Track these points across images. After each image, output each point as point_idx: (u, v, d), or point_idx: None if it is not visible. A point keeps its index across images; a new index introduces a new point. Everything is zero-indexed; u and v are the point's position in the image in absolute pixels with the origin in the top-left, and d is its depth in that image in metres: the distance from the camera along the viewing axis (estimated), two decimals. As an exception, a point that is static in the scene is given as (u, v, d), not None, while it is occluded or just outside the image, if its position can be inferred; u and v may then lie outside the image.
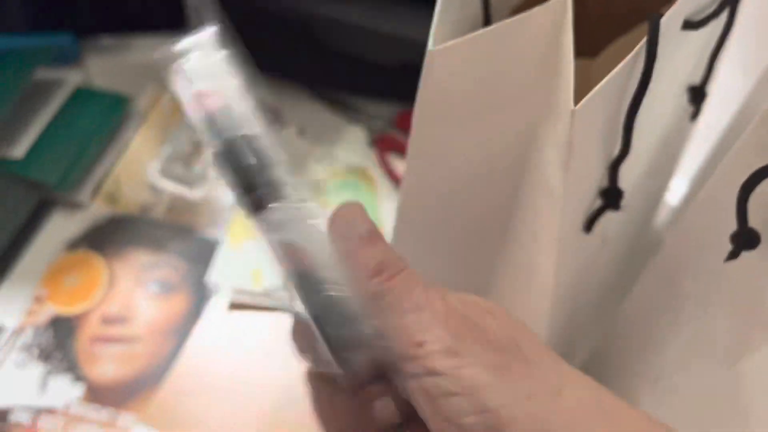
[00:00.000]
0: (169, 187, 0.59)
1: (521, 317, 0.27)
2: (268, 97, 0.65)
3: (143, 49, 0.71)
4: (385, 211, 0.60)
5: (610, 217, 0.32)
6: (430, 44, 0.28)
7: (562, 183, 0.27)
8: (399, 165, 0.63)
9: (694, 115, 0.38)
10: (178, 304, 0.54)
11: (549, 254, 0.31)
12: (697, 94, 0.36)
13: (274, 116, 0.65)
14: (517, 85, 0.27)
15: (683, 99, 0.36)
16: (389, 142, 0.64)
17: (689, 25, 0.29)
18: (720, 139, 0.45)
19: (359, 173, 0.62)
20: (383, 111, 0.66)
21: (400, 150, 0.64)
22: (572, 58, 0.24)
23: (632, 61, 0.26)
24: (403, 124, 0.65)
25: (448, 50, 0.27)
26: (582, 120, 0.25)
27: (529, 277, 0.34)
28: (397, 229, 0.42)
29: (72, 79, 0.64)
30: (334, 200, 0.58)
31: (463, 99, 0.29)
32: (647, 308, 0.41)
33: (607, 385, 0.26)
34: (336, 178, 0.61)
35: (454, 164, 0.33)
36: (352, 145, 0.64)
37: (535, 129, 0.27)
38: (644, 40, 0.26)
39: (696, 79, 0.35)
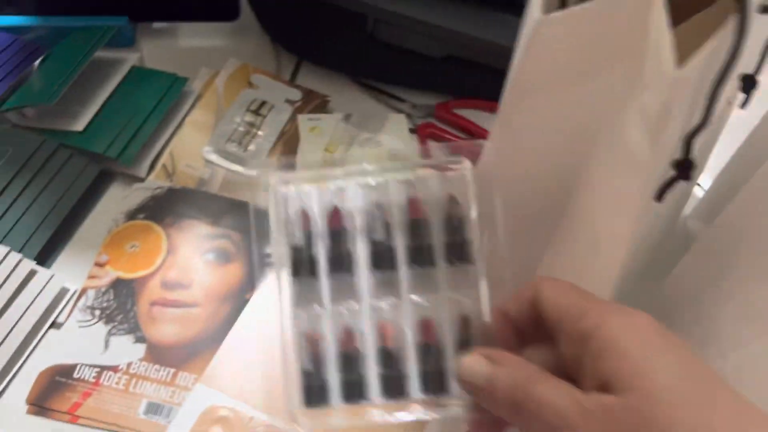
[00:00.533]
0: (224, 164, 0.62)
1: (586, 286, 0.30)
2: (323, 86, 0.68)
3: (192, 34, 0.73)
4: (428, 194, 0.63)
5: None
6: (537, 13, 0.30)
7: (651, 152, 0.29)
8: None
9: (744, 103, 0.41)
10: (234, 272, 0.56)
11: (626, 223, 0.33)
12: (749, 83, 0.39)
13: (321, 104, 0.68)
14: (610, 53, 0.30)
15: (735, 84, 0.39)
16: (430, 131, 0.67)
17: (765, 9, 0.31)
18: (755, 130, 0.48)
19: (402, 158, 0.64)
20: (423, 101, 0.69)
21: (439, 138, 0.67)
22: (668, 27, 0.27)
23: (723, 33, 0.28)
24: (442, 114, 0.68)
25: (555, 20, 0.29)
26: (679, 87, 0.27)
27: (598, 245, 0.36)
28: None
29: (129, 59, 0.67)
30: (380, 182, 0.61)
31: (561, 68, 0.32)
32: (691, 286, 0.44)
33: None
34: (380, 162, 0.64)
35: (542, 135, 0.35)
36: (395, 132, 0.66)
37: (624, 98, 0.30)
38: (732, 14, 0.28)
39: (750, 67, 0.38)
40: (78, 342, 0.52)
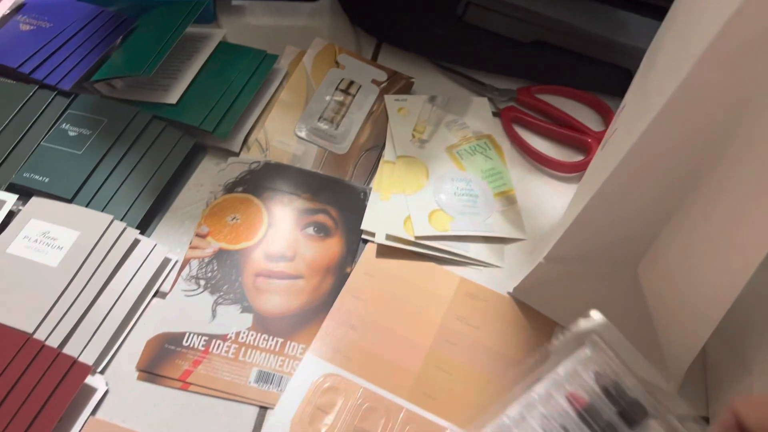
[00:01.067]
0: (316, 141, 0.62)
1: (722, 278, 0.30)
2: (403, 68, 0.68)
3: (270, 13, 0.74)
4: (515, 174, 0.64)
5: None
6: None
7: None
8: (523, 134, 0.66)
9: None
10: (334, 246, 0.57)
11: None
12: None
13: (406, 85, 0.68)
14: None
15: None
16: (512, 114, 0.68)
17: None
18: None
19: (488, 139, 0.65)
20: (503, 86, 0.70)
21: (521, 122, 0.68)
22: None
23: None
24: (524, 99, 0.69)
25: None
26: None
27: (745, 231, 0.37)
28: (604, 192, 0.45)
29: (215, 34, 0.67)
30: (470, 163, 0.62)
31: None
32: None
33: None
34: (467, 142, 0.65)
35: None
36: (479, 114, 0.67)
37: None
38: None
39: None
40: (185, 311, 0.52)
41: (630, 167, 0.43)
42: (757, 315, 0.49)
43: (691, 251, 0.47)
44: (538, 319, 0.55)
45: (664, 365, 0.52)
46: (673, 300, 0.50)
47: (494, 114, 0.68)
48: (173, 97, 0.61)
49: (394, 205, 0.59)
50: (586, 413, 0.41)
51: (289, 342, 0.52)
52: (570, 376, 0.43)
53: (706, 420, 0.52)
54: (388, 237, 0.57)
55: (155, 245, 0.54)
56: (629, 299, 0.53)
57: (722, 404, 0.51)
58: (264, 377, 0.50)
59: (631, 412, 0.41)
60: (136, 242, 0.54)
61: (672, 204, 0.47)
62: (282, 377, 0.50)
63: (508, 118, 0.67)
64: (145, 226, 0.56)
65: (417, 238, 0.57)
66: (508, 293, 0.56)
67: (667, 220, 0.48)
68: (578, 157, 0.65)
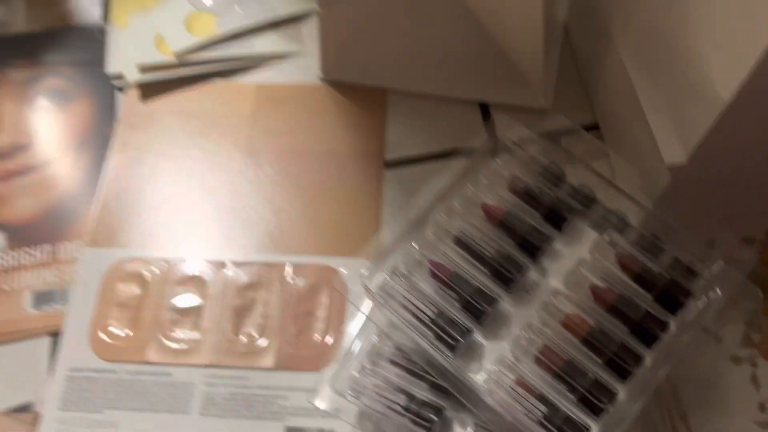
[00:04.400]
0: (18, -9, 0.47)
1: None
2: None
3: None
4: None
5: None
6: None
7: None
8: None
9: None
10: (81, 111, 0.43)
11: None
12: None
13: None
14: None
15: None
16: None
17: None
18: None
19: None
20: None
21: None
22: None
23: None
24: None
25: None
26: None
27: None
28: None
29: None
30: None
31: None
32: None
33: None
34: None
35: None
36: None
37: None
38: None
39: None
40: None
41: None
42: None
43: None
44: (364, 94, 0.43)
45: (525, 80, 0.40)
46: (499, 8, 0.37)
47: None
48: None
49: (138, 29, 0.45)
50: (506, 221, 0.32)
51: (60, 244, 0.40)
52: (482, 188, 0.33)
53: (594, 127, 0.41)
54: (143, 69, 0.43)
55: None
56: (450, 17, 0.40)
57: (599, 98, 0.40)
58: (43, 298, 0.39)
59: (556, 211, 0.32)
60: None
61: None
62: (65, 289, 0.38)
63: None
64: None
65: (177, 55, 0.43)
66: (320, 79, 0.44)
67: None
68: None
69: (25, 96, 0.44)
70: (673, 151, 0.31)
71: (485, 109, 0.43)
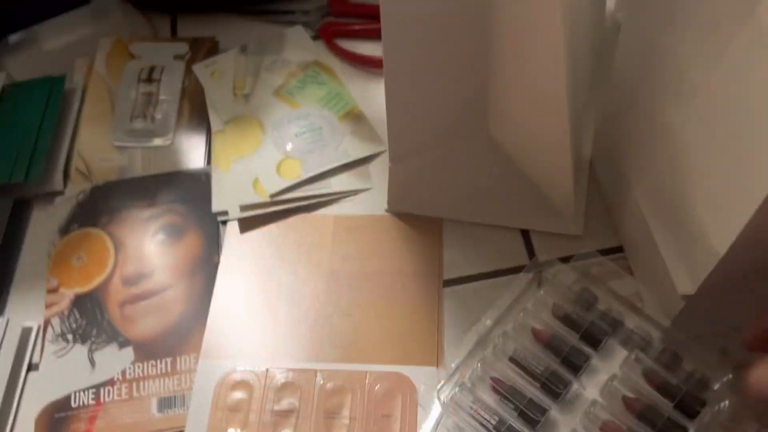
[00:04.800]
0: (137, 143, 0.57)
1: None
2: (205, 32, 0.63)
3: (53, 34, 0.67)
4: (355, 90, 0.59)
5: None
6: None
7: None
8: (350, 46, 0.61)
9: None
10: (192, 242, 0.52)
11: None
12: None
13: (212, 47, 0.63)
14: None
15: None
16: (332, 29, 0.62)
17: None
18: None
19: (315, 66, 0.60)
20: (312, 4, 0.65)
21: (344, 33, 0.62)
22: None
23: None
24: (337, 8, 0.64)
25: None
26: None
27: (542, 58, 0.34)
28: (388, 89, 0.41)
29: (-4, 81, 0.61)
30: (303, 98, 0.57)
31: None
32: (626, 74, 0.42)
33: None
34: (294, 78, 0.60)
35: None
36: (298, 44, 0.62)
37: None
38: None
39: None
40: (63, 372, 0.48)
41: (394, 41, 0.38)
42: (620, 132, 0.46)
43: (517, 98, 0.43)
44: (423, 223, 0.52)
45: (559, 211, 0.49)
46: (527, 147, 0.46)
47: (313, 38, 0.63)
48: (-28, 162, 0.56)
49: (238, 174, 0.54)
50: (552, 343, 0.40)
51: (179, 357, 0.48)
52: (530, 314, 0.42)
53: (619, 249, 0.49)
54: (243, 208, 0.52)
55: (8, 320, 0.50)
56: (493, 162, 0.49)
57: (623, 228, 0.48)
58: (166, 403, 0.46)
59: (591, 333, 0.41)
60: (-15, 327, 0.49)
61: (477, 63, 0.42)
62: (184, 395, 0.46)
63: (328, 36, 0.62)
64: (-7, 306, 0.51)
65: (271, 196, 0.52)
66: (386, 210, 0.53)
67: (486, 80, 0.44)
68: (410, 44, 0.61)
69: (147, 231, 0.53)
70: (684, 283, 0.39)
71: (526, 234, 0.51)
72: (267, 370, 0.46)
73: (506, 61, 0.41)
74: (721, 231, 0.33)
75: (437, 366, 0.45)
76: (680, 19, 0.35)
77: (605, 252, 0.48)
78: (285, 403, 0.45)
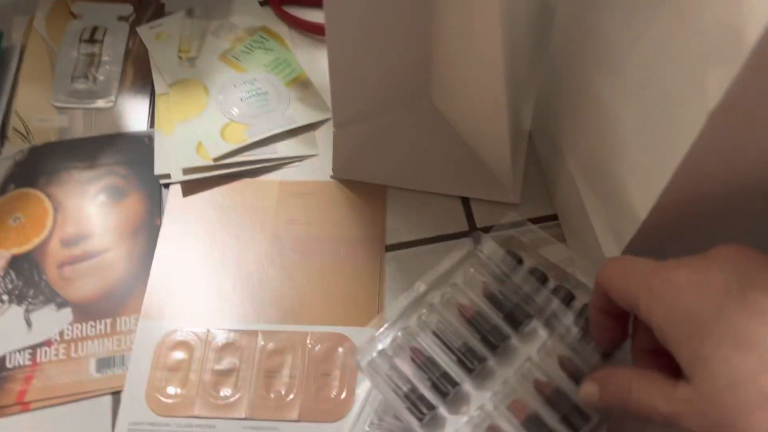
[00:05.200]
0: (79, 104, 0.56)
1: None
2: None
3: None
4: (302, 57, 0.59)
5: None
6: None
7: None
8: (297, 13, 0.61)
9: None
10: (133, 205, 0.52)
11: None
12: None
13: (157, 9, 0.62)
14: None
15: None
16: (280, -4, 0.62)
17: None
18: None
19: (262, 31, 0.60)
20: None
21: (292, 0, 0.62)
22: None
23: None
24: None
25: None
26: None
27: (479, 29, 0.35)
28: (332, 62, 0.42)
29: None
30: (249, 63, 0.57)
31: None
32: (566, 42, 0.43)
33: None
34: (240, 42, 0.59)
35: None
36: (245, 10, 0.62)
37: None
38: None
39: None
40: (-2, 333, 0.47)
41: (336, 4, 0.39)
42: (554, 103, 0.47)
43: (456, 66, 0.44)
44: (367, 190, 0.52)
45: (497, 180, 0.50)
46: (468, 116, 0.48)
47: (261, 3, 0.62)
48: None
49: (182, 137, 0.54)
50: (474, 321, 0.42)
51: (118, 318, 0.48)
52: (459, 291, 0.43)
53: (554, 217, 0.51)
54: (186, 171, 0.52)
55: (-61, 282, 0.49)
56: (437, 130, 0.50)
57: (557, 197, 0.50)
58: (105, 363, 0.46)
59: (515, 314, 0.42)
60: None
61: (419, 31, 0.43)
62: (124, 355, 0.46)
63: (276, 2, 0.62)
64: (-75, 266, 0.50)
65: (215, 159, 0.52)
66: (331, 177, 0.53)
67: (427, 47, 0.45)
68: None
69: (87, 193, 0.52)
70: (610, 247, 0.41)
71: (466, 202, 0.52)
72: (208, 330, 0.47)
73: (446, 29, 0.42)
74: (643, 195, 0.35)
75: (378, 328, 0.46)
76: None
77: (541, 219, 0.50)
78: (225, 363, 0.46)
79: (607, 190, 0.40)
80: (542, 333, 0.41)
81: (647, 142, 0.34)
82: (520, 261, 0.44)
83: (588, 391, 0.35)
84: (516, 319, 0.42)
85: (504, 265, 0.43)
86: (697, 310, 0.28)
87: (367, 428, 0.41)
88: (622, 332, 0.36)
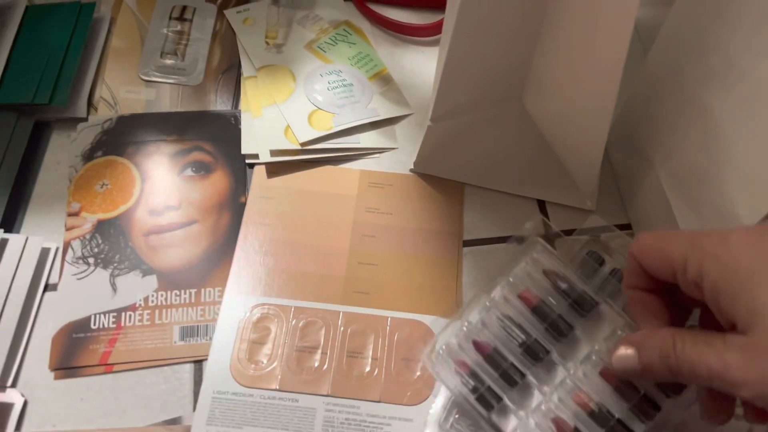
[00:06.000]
0: (167, 79, 0.57)
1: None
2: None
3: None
4: (382, 53, 0.61)
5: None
6: None
7: None
8: (378, 9, 0.63)
9: None
10: (219, 181, 0.53)
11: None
12: None
13: (242, -6, 0.63)
14: None
15: None
16: (363, -6, 0.64)
17: None
18: None
19: (346, 24, 0.62)
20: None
21: (375, -1, 0.64)
22: None
23: None
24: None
25: None
26: None
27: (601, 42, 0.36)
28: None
29: (18, 1, 0.59)
30: (334, 54, 0.58)
31: None
32: (673, 48, 0.45)
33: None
34: (325, 34, 0.61)
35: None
36: (330, 3, 0.63)
37: None
38: None
39: None
40: (82, 294, 0.48)
41: (470, 7, 0.41)
42: (648, 114, 0.49)
43: (563, 70, 0.46)
44: (446, 185, 0.54)
45: (576, 186, 0.52)
46: (562, 121, 0.49)
47: (345, -1, 0.64)
48: (-8, 79, 0.55)
49: (270, 119, 0.55)
50: (539, 309, 0.43)
51: (203, 290, 0.48)
52: (521, 279, 0.44)
53: (628, 226, 0.52)
54: (273, 153, 0.53)
55: (27, 239, 0.49)
56: (524, 132, 0.52)
57: (636, 206, 0.51)
58: (188, 332, 0.47)
59: (581, 301, 0.43)
60: (4, 242, 0.49)
61: (529, 32, 0.45)
62: (207, 326, 0.47)
63: (360, -1, 0.63)
64: (9, 223, 0.51)
65: (302, 144, 0.53)
66: (411, 170, 0.55)
67: (532, 48, 0.47)
68: (439, 17, 0.63)
69: (175, 166, 0.53)
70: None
71: (542, 205, 0.54)
72: (293, 308, 0.48)
73: (561, 31, 0.44)
74: (752, 207, 0.37)
75: (456, 319, 0.48)
76: (731, 13, 0.38)
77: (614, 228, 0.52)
78: (309, 340, 0.46)
79: (705, 200, 0.42)
80: (609, 324, 0.42)
81: (762, 155, 0.36)
82: (602, 263, 0.45)
83: (624, 353, 0.33)
84: (581, 307, 0.42)
85: (586, 266, 0.45)
86: (755, 263, 0.29)
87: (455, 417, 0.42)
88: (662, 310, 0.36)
